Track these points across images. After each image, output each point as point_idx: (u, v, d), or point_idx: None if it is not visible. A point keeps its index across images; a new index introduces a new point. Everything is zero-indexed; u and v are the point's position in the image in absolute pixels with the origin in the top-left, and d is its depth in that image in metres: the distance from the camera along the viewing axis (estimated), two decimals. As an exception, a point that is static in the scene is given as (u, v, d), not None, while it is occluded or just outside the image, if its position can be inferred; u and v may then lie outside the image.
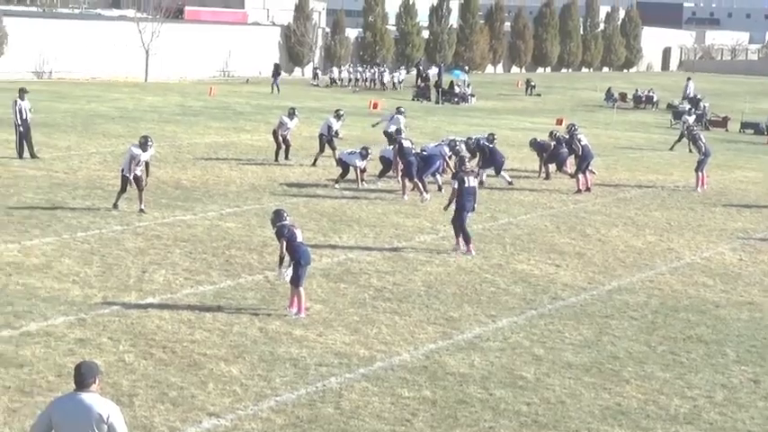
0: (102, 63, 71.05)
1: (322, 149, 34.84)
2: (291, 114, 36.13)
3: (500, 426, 13.89)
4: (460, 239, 23.81)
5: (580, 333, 18.01)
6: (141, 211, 25.62)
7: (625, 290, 21.17)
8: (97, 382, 9.57)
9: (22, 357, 15.33)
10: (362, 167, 31.42)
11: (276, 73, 70.32)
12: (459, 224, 23.72)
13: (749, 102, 69.60)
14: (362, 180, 31.39)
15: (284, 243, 18.12)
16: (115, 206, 26.02)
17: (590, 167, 33.55)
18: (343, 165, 31.44)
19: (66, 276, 19.76)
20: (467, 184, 23.67)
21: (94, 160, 34.04)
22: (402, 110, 38.74)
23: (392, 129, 34.60)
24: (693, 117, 52.63)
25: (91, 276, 19.89)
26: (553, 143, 35.18)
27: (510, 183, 33.00)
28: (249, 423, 13.51)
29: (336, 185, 31.11)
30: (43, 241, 22.42)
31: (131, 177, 25.68)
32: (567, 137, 34.45)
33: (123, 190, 25.99)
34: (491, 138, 34.33)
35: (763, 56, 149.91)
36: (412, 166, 29.77)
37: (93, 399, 9.45)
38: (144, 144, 25.99)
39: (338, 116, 35.86)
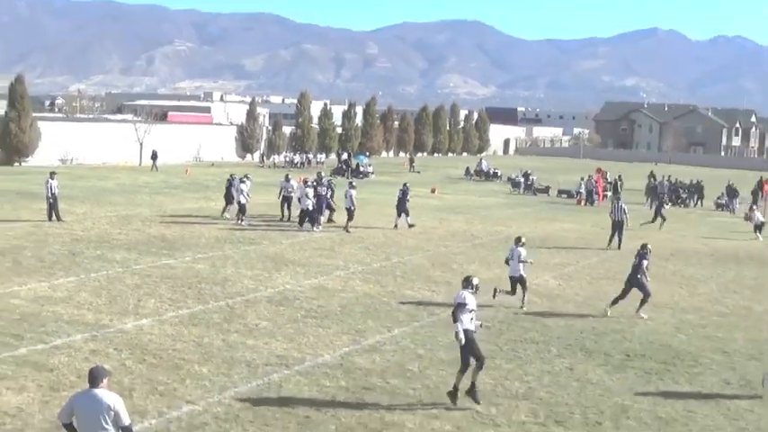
0: (108, 153, 69.96)
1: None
2: (245, 179, 35.52)
3: (395, 405, 13.91)
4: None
5: (449, 338, 18.02)
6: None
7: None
8: (106, 381, 9.41)
9: (51, 364, 15.00)
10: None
11: (154, 156, 66.65)
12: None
13: (563, 176, 70.58)
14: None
15: None
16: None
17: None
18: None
19: (82, 305, 19.38)
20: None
21: (103, 222, 33.43)
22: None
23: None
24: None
25: (101, 305, 19.53)
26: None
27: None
28: (216, 408, 13.35)
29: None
30: (66, 280, 21.96)
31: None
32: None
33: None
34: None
35: (571, 144, 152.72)
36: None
37: (103, 393, 9.29)
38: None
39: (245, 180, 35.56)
